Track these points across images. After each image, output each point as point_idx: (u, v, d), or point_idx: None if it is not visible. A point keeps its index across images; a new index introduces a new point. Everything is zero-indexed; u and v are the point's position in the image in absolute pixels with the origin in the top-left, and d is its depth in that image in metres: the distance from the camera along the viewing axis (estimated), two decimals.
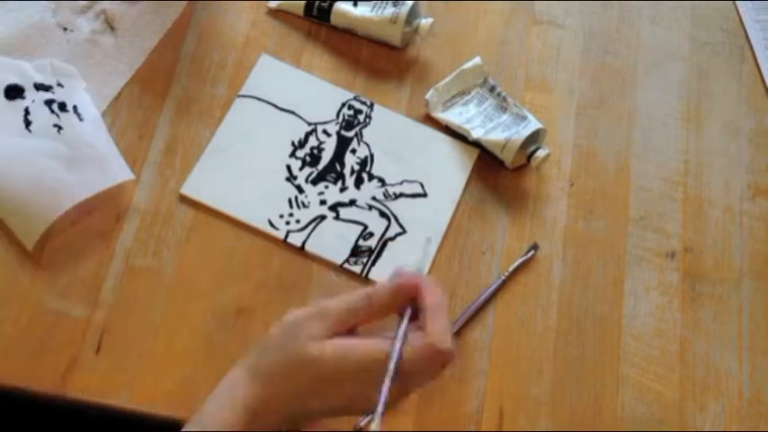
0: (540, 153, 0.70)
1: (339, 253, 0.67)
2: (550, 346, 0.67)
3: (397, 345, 0.50)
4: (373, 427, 0.48)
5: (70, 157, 0.66)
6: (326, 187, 0.70)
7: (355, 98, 0.74)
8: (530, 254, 0.69)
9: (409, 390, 0.52)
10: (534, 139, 0.71)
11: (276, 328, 0.52)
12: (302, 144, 0.72)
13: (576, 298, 0.69)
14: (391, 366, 0.49)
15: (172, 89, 0.72)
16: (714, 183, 0.75)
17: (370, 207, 0.70)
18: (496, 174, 0.73)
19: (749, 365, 0.68)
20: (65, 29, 0.73)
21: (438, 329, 0.50)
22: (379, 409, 0.49)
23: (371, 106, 0.74)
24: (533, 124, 0.71)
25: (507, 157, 0.71)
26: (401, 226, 0.69)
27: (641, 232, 0.72)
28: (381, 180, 0.71)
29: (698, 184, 0.75)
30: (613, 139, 0.76)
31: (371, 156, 0.72)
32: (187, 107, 0.72)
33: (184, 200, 0.68)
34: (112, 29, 0.73)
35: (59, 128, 0.67)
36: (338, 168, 0.71)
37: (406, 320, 0.51)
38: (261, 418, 0.52)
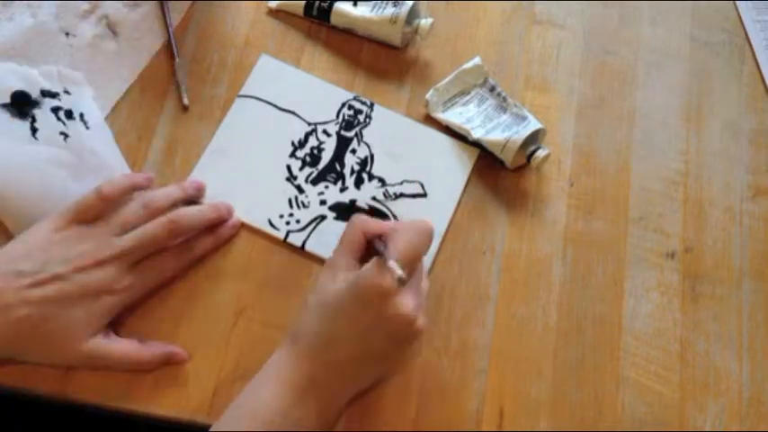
0: (540, 153, 0.70)
1: None
2: (550, 346, 0.67)
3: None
4: (399, 272, 0.54)
5: (76, 166, 0.66)
6: (326, 187, 0.70)
7: (355, 98, 0.74)
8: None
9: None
10: (534, 139, 0.71)
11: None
12: (302, 144, 0.72)
13: (576, 298, 0.69)
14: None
15: (172, 89, 0.72)
16: (714, 183, 0.75)
17: (371, 207, 0.70)
18: (496, 174, 0.73)
19: (749, 365, 0.68)
20: (67, 34, 0.73)
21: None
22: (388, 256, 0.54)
23: (371, 106, 0.74)
24: (533, 124, 0.71)
25: (507, 157, 0.71)
26: None
27: (641, 232, 0.72)
28: (381, 180, 0.71)
29: (698, 184, 0.75)
30: (613, 139, 0.76)
31: (371, 156, 0.72)
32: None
33: None
34: (114, 33, 0.73)
35: (66, 135, 0.67)
36: (338, 168, 0.71)
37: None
38: (312, 393, 0.56)
